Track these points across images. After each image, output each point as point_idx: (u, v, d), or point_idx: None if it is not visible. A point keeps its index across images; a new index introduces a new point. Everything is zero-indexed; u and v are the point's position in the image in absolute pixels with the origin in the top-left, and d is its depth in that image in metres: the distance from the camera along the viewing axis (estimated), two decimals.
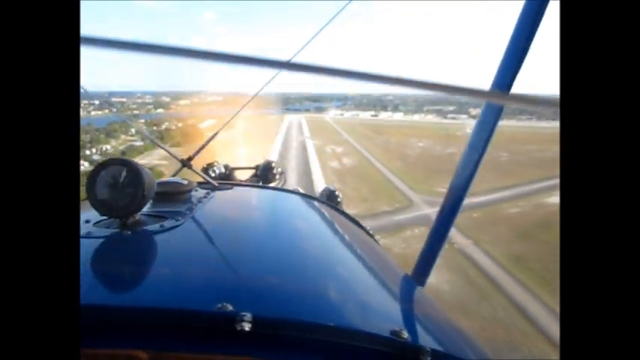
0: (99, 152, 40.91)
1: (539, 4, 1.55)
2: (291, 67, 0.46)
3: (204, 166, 2.25)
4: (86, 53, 0.50)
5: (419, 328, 0.94)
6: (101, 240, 0.86)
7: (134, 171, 0.92)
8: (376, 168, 41.23)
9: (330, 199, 2.21)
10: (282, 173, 2.54)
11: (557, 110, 0.49)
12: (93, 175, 0.90)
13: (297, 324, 0.66)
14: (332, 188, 2.36)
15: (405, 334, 0.71)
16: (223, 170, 2.32)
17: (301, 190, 2.05)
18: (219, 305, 0.64)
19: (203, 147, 1.90)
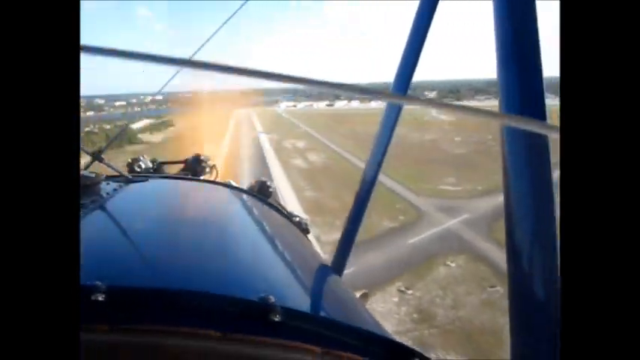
0: None
1: (430, 10, 1.90)
2: (194, 64, 0.54)
3: (129, 160, 2.47)
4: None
5: (300, 298, 1.15)
6: None
7: None
8: (353, 164, 37.30)
9: (261, 191, 2.50)
10: (213, 166, 2.79)
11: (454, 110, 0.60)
12: None
13: (152, 292, 0.80)
14: (264, 180, 2.65)
15: (272, 299, 0.86)
16: (150, 165, 2.54)
17: (233, 183, 2.29)
18: (89, 282, 0.75)
19: (113, 140, 2.65)
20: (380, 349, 0.92)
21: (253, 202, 2.04)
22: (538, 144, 0.98)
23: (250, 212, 1.95)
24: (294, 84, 0.57)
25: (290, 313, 0.85)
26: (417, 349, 0.95)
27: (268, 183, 2.64)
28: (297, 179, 36.19)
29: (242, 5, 2.41)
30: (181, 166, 2.85)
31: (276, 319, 0.82)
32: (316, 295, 1.31)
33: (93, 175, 1.43)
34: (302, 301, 1.16)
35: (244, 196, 2.08)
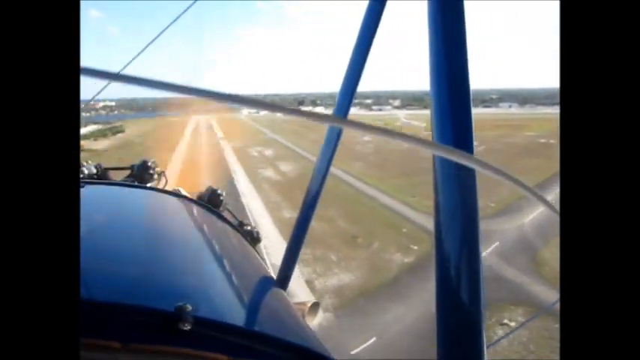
0: None
1: (371, 32, 2.04)
2: (122, 79, 0.56)
3: None
4: None
5: (228, 308, 1.20)
6: None
7: None
8: (332, 174, 35.74)
9: (211, 199, 2.60)
10: (161, 173, 2.85)
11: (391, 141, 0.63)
12: None
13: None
14: (214, 188, 2.73)
15: (189, 308, 0.90)
16: (94, 170, 2.57)
17: (182, 191, 2.37)
18: None
19: None
20: (293, 357, 0.98)
21: (198, 210, 2.11)
22: (465, 175, 1.08)
23: (191, 221, 2.01)
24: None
25: (202, 321, 0.88)
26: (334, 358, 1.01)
27: (219, 191, 2.73)
28: (269, 196, 34.47)
29: (190, 7, 2.52)
30: (127, 172, 2.87)
31: (185, 328, 0.86)
32: (243, 304, 1.37)
33: None
34: (224, 311, 1.20)
35: (189, 204, 2.15)
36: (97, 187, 2.03)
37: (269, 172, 41.56)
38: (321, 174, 2.30)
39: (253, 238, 2.52)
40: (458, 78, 1.21)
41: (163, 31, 2.43)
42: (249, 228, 2.61)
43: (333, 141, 2.32)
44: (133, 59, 2.29)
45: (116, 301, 0.90)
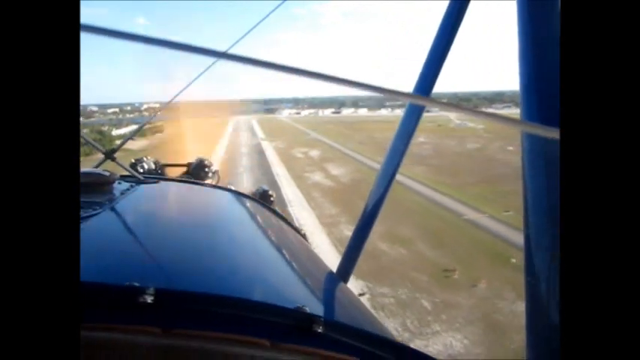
0: None
1: (459, 9, 2.16)
2: (230, 57, 0.64)
3: (133, 160, 2.74)
4: None
5: (324, 307, 1.34)
6: None
7: None
8: (397, 181, 21.67)
9: (263, 198, 2.77)
10: (215, 172, 3.09)
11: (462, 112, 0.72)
12: None
13: (198, 296, 0.92)
14: (265, 188, 2.95)
15: (307, 309, 0.99)
16: (153, 166, 2.82)
17: (233, 188, 2.49)
18: (127, 283, 0.88)
19: (127, 139, 2.66)
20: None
21: (259, 209, 2.23)
22: (554, 150, 1.09)
23: (262, 220, 2.11)
24: (319, 80, 0.65)
25: (330, 324, 0.95)
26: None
27: (270, 192, 2.93)
28: (322, 207, 27.50)
29: (281, 3, 2.71)
30: (183, 169, 3.14)
31: (319, 331, 0.93)
32: (335, 303, 1.48)
33: (108, 174, 1.59)
34: (332, 312, 1.33)
35: (251, 203, 2.27)
36: (170, 183, 2.24)
37: (318, 177, 35.44)
38: (395, 161, 2.30)
39: (303, 237, 2.69)
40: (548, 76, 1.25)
41: (261, 21, 2.55)
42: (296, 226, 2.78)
43: (411, 123, 2.32)
44: (236, 42, 2.45)
45: (263, 301, 0.99)
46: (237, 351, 0.80)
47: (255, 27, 2.55)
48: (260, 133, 64.78)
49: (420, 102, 2.11)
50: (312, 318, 0.93)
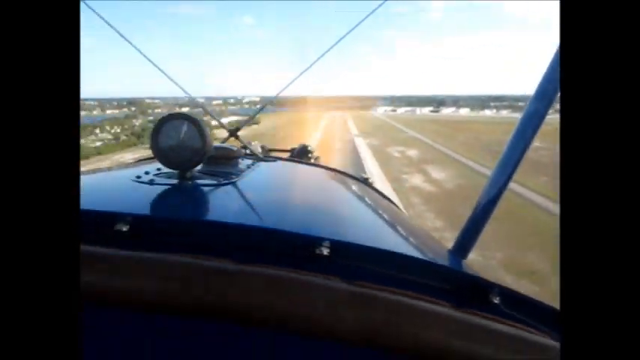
0: None
1: None
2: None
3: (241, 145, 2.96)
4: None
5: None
6: (165, 187, 1.12)
7: (197, 126, 1.18)
8: (514, 192, 16.81)
9: (302, 153, 3.12)
10: (317, 158, 3.23)
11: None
12: (157, 128, 1.18)
13: (371, 251, 0.93)
14: (365, 176, 2.99)
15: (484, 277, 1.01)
16: (259, 150, 2.91)
17: (344, 170, 2.64)
18: (301, 232, 0.91)
19: (250, 119, 3.05)
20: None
21: (369, 190, 2.30)
22: None
23: (378, 199, 2.16)
24: None
25: (505, 294, 0.94)
26: None
27: (309, 148, 3.21)
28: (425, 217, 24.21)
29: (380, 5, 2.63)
30: (286, 154, 3.32)
31: (496, 301, 0.93)
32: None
33: (236, 149, 1.66)
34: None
35: (362, 184, 2.36)
36: (287, 162, 2.45)
37: (417, 180, 32.62)
38: (526, 137, 1.95)
39: None
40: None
41: (355, 26, 2.52)
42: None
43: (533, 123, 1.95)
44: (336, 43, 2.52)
45: (443, 264, 1.07)
46: (423, 307, 0.77)
47: (357, 26, 2.53)
48: (354, 129, 64.37)
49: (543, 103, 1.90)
50: (489, 286, 0.92)
